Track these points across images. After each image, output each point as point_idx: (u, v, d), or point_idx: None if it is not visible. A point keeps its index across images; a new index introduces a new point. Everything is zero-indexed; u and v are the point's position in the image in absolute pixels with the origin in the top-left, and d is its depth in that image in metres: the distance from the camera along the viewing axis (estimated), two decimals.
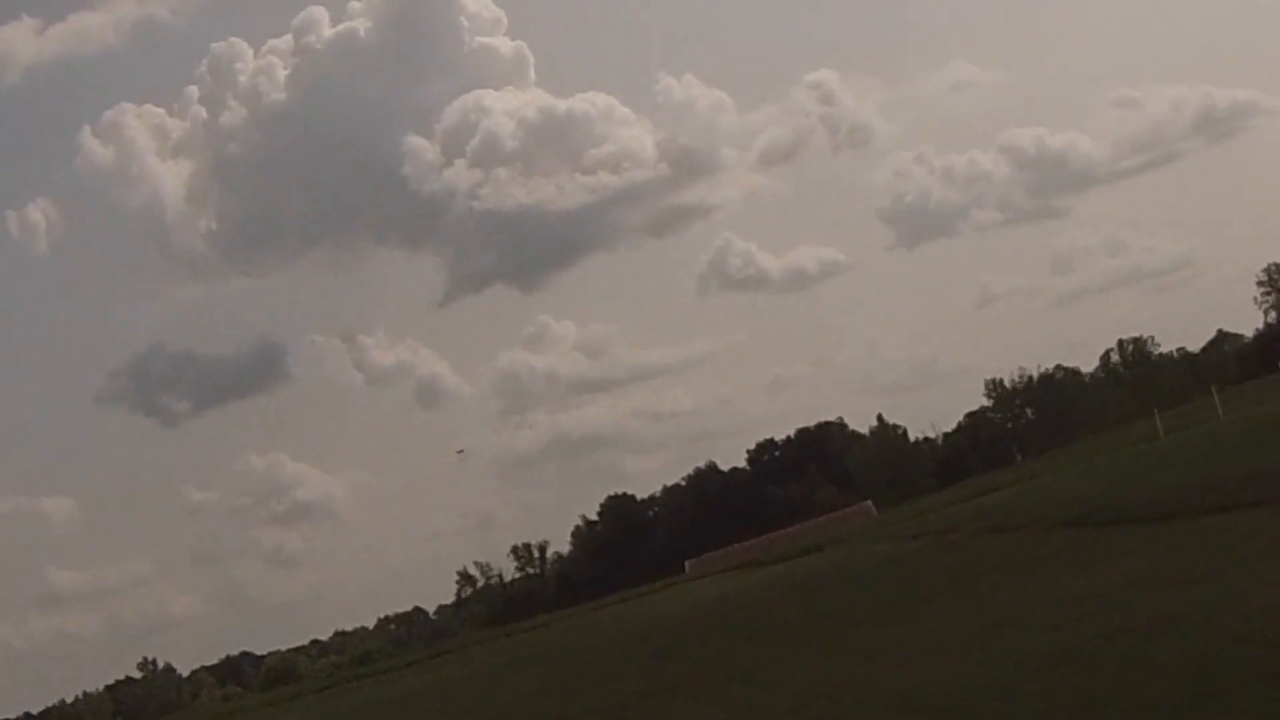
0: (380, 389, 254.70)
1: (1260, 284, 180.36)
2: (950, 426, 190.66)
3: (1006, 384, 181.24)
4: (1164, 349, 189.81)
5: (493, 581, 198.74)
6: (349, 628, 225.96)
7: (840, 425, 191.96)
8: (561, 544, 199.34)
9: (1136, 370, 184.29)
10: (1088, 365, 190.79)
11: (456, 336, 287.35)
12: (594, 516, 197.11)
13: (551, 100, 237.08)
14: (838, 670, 27.05)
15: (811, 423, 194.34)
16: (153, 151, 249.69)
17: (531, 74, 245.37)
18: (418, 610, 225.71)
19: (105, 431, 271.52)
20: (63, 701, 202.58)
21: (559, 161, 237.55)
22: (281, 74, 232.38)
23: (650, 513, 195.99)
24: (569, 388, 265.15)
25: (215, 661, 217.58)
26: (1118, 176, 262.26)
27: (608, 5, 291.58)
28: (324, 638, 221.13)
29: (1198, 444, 63.52)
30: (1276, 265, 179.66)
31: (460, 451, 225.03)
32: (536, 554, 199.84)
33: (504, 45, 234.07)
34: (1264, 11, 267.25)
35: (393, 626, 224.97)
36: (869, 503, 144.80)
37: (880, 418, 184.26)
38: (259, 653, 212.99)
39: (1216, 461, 46.94)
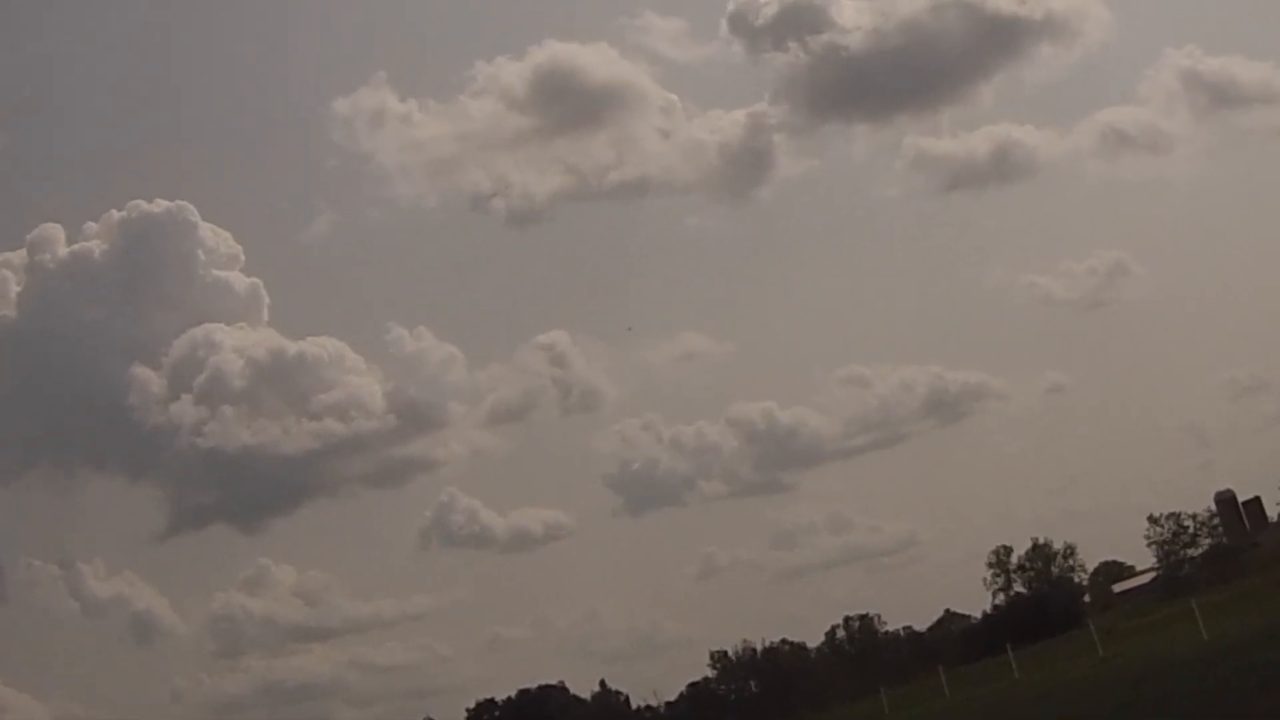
0: (95, 619, 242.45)
1: (990, 565, 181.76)
2: (673, 696, 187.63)
3: (731, 655, 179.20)
4: (890, 627, 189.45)
5: None
6: None
7: (561, 689, 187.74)
8: None
9: (862, 647, 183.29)
10: (813, 640, 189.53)
11: (175, 573, 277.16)
12: None
13: (283, 341, 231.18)
14: None
15: (533, 684, 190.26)
16: None
17: (265, 313, 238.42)
18: None
19: None
20: None
21: (286, 404, 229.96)
22: (13, 289, 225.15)
23: None
24: (285, 634, 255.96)
25: None
26: (846, 454, 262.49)
27: (345, 251, 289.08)
28: None
29: None
30: (1005, 548, 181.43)
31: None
32: None
33: (239, 281, 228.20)
34: (991, 296, 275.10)
35: None
36: None
37: (603, 683, 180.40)
38: None
39: None
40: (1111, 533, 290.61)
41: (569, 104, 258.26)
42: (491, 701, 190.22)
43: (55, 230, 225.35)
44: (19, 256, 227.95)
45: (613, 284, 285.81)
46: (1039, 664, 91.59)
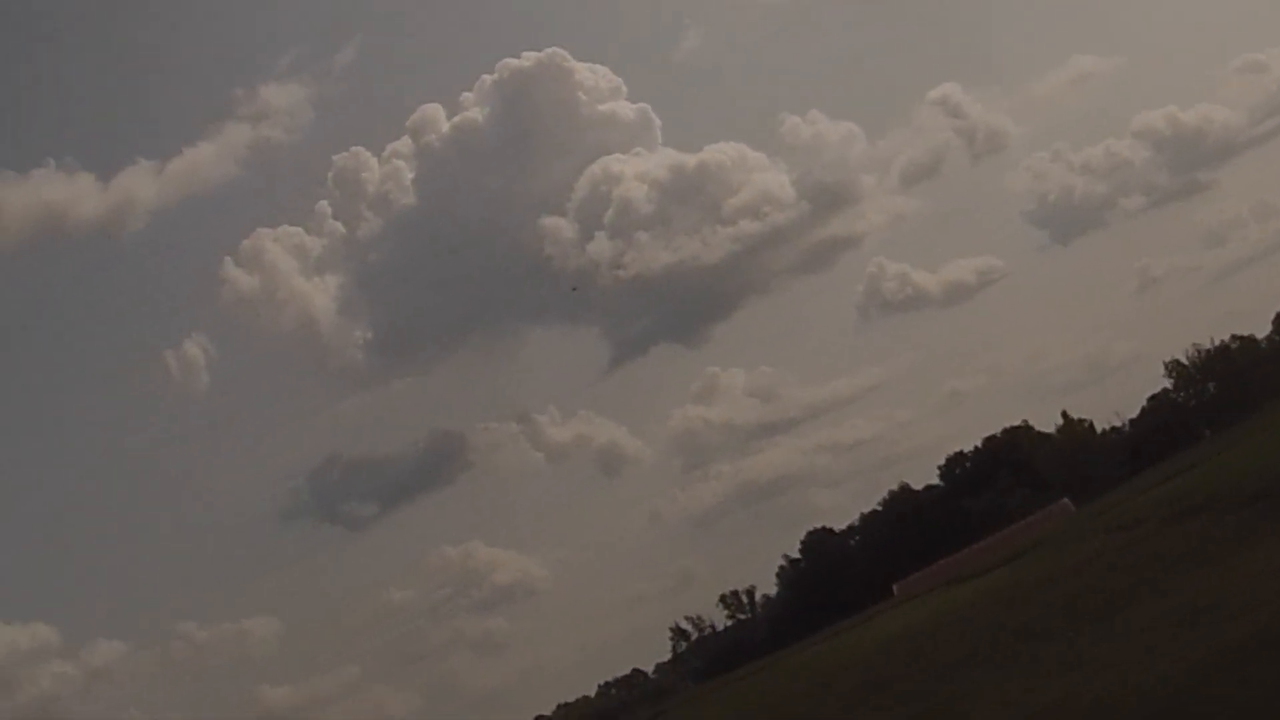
0: (561, 464, 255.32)
1: None
2: (1134, 413, 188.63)
3: (1184, 362, 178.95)
4: None
5: (706, 633, 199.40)
6: (571, 698, 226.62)
7: (1026, 428, 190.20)
8: (768, 586, 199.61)
9: None
10: (1261, 331, 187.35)
11: (628, 401, 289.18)
12: (796, 554, 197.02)
13: (681, 157, 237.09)
14: (1039, 689, 27.56)
15: (997, 430, 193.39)
16: (296, 272, 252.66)
17: (658, 135, 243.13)
18: (636, 672, 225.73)
19: (296, 546, 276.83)
20: None
21: (698, 216, 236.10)
22: (408, 177, 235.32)
23: (851, 542, 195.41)
24: (747, 434, 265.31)
25: None
26: (1257, 141, 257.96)
27: (720, 56, 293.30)
28: (547, 712, 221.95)
29: None
30: None
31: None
32: (745, 600, 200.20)
33: (625, 110, 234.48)
34: None
35: (614, 691, 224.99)
36: (1066, 500, 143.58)
37: (1065, 414, 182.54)
38: None
39: None
40: None
41: None
42: (960, 454, 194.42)
43: (434, 109, 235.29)
44: (404, 145, 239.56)
45: (987, 24, 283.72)
46: None
